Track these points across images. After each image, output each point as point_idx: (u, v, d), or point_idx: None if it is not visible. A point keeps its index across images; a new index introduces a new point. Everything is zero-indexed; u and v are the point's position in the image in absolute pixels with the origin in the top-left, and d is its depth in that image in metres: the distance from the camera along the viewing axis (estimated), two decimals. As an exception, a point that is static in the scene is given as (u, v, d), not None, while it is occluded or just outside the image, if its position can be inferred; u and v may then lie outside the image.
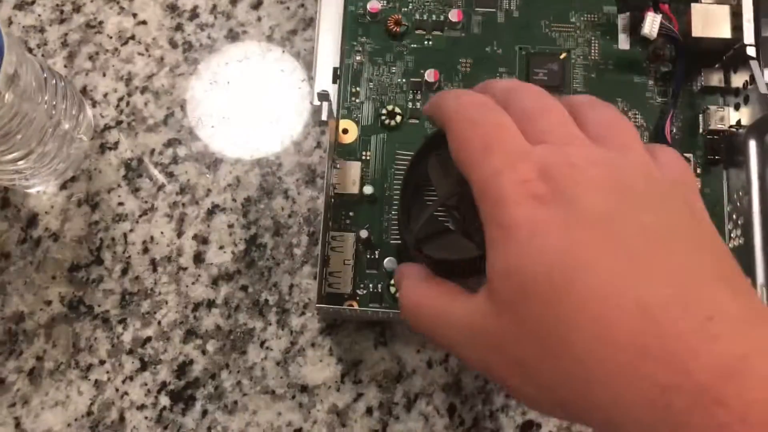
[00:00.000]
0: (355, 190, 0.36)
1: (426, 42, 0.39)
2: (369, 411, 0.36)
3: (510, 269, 0.22)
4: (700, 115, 0.38)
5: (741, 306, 0.20)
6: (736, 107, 0.37)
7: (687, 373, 0.18)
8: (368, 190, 0.36)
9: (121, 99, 0.39)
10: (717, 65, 0.38)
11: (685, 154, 0.37)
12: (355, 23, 0.39)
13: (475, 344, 0.24)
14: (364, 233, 0.35)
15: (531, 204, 0.22)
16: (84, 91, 0.39)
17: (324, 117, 0.34)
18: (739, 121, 0.36)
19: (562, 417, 0.25)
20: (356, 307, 0.35)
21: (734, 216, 0.36)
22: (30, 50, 0.40)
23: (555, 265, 0.21)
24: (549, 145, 0.24)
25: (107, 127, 0.39)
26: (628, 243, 0.21)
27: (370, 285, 0.35)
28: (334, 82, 0.37)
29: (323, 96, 0.34)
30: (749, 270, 0.34)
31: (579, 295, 0.20)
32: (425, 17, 0.39)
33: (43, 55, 0.40)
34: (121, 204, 0.38)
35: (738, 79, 0.37)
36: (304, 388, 0.36)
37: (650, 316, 0.19)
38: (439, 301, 0.26)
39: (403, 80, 0.38)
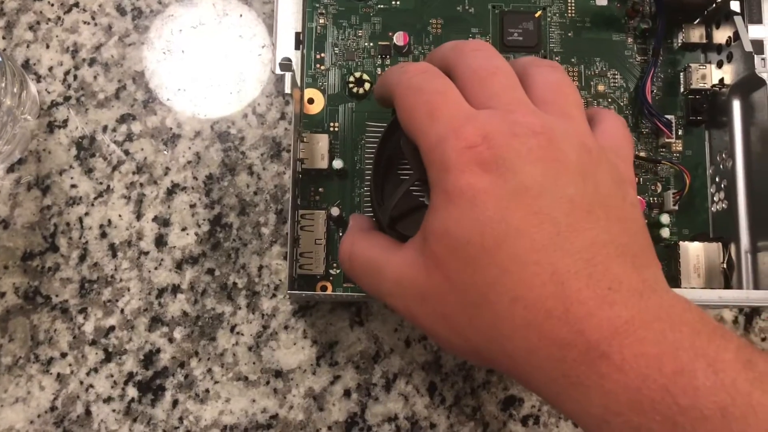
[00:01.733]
0: (323, 164, 0.34)
1: (393, 2, 0.36)
2: (347, 393, 0.34)
3: (447, 231, 0.24)
4: (681, 74, 0.36)
5: (639, 279, 0.23)
6: (719, 65, 0.35)
7: (581, 333, 0.21)
8: (338, 164, 0.34)
9: (67, 72, 0.37)
10: (697, 20, 0.36)
11: (667, 116, 0.35)
12: (316, -17, 0.36)
13: (403, 295, 0.26)
14: (335, 211, 0.33)
15: (473, 171, 0.23)
16: (26, 65, 0.36)
17: (287, 89, 0.32)
18: (722, 80, 0.35)
19: (477, 362, 0.28)
20: (330, 291, 0.33)
21: (717, 178, 0.35)
22: (-36, 21, 0.37)
23: (487, 232, 0.23)
24: (494, 111, 0.25)
25: (54, 104, 0.36)
26: (553, 216, 0.23)
27: (343, 265, 0.34)
28: (296, 48, 0.35)
29: (286, 66, 0.32)
30: (733, 235, 0.33)
31: (504, 261, 0.23)
32: (392, -25, 0.36)
33: (-22, 27, 0.37)
34: (74, 186, 0.36)
35: (720, 35, 0.35)
36: (278, 373, 0.34)
37: (560, 284, 0.22)
38: (372, 252, 0.28)
39: (371, 44, 0.36)
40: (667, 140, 0.35)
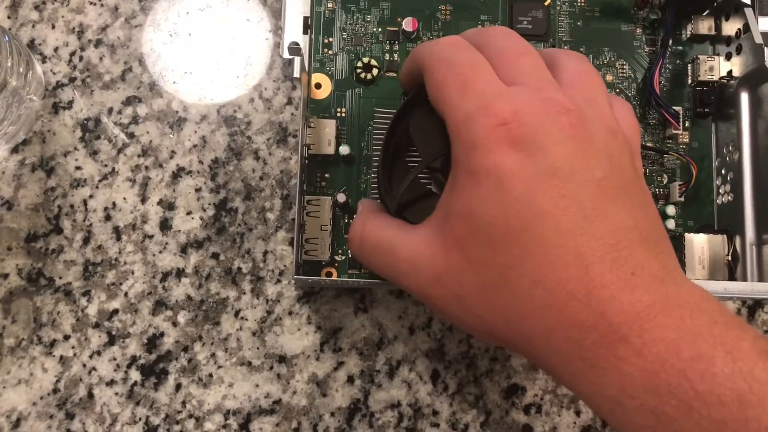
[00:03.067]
0: (330, 150, 0.34)
1: (402, -13, 0.36)
2: (350, 379, 0.34)
3: (471, 211, 0.24)
4: (689, 65, 0.36)
5: (660, 266, 0.23)
6: (727, 57, 0.35)
7: (602, 316, 0.22)
8: (345, 150, 0.34)
9: (73, 53, 0.36)
10: (706, 12, 0.36)
11: (674, 107, 0.35)
12: (325, -32, 0.36)
13: (417, 275, 0.25)
14: (341, 197, 0.33)
15: (501, 150, 0.23)
16: (31, 45, 0.36)
17: (296, 74, 0.32)
18: (730, 72, 0.35)
19: (490, 341, 0.28)
20: (335, 276, 0.33)
21: (723, 171, 0.35)
22: (-32, -1, 0.36)
23: (512, 213, 0.23)
24: (523, 87, 0.25)
25: (60, 85, 0.36)
26: (580, 200, 0.23)
27: (349, 251, 0.34)
28: (304, 32, 0.35)
29: (295, 50, 0.32)
30: (738, 227, 0.34)
31: (528, 243, 0.23)
32: (401, -39, 0.36)
33: (-17, 5, 0.36)
34: (78, 168, 0.35)
35: (730, 27, 0.35)
36: (282, 359, 0.34)
37: (584, 267, 0.22)
38: (385, 232, 0.27)
39: (379, 29, 0.36)
40: (674, 131, 0.35)
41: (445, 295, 0.25)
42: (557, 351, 0.23)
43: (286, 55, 0.33)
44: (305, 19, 0.34)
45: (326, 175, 0.34)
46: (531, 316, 0.23)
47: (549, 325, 0.22)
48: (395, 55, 0.35)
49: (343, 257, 0.34)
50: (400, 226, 0.27)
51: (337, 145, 0.34)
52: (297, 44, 0.32)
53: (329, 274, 0.33)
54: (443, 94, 0.26)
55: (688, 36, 0.36)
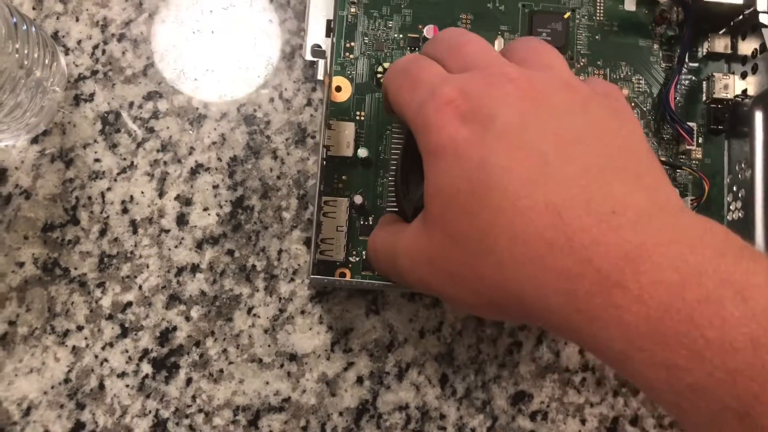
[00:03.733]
0: (349, 152, 0.34)
1: (425, -5, 0.37)
2: (359, 380, 0.35)
3: (438, 187, 0.24)
4: (704, 83, 0.37)
5: (646, 200, 0.21)
6: (743, 76, 0.36)
7: (589, 262, 0.20)
8: (363, 152, 0.34)
9: (96, 47, 0.37)
10: (723, 30, 0.37)
11: (688, 123, 0.36)
12: (350, -28, 0.36)
13: (414, 268, 0.26)
14: (358, 198, 0.34)
15: (453, 124, 0.24)
16: (55, 36, 0.36)
17: (320, 76, 0.32)
18: (745, 91, 0.35)
19: (495, 316, 0.28)
20: (349, 277, 0.33)
21: (734, 188, 0.35)
22: (-6, -11, 0.36)
23: (474, 177, 0.23)
24: (470, 71, 0.25)
25: (82, 77, 0.36)
26: (540, 149, 0.22)
27: (363, 252, 0.34)
28: (327, 35, 0.35)
29: (318, 52, 0.32)
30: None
31: (495, 202, 0.22)
32: (425, -31, 0.36)
33: (9, -4, 0.37)
34: (97, 160, 0.36)
35: (746, 47, 0.35)
36: (292, 357, 0.35)
37: (557, 214, 0.21)
38: (388, 239, 0.28)
39: (400, 35, 0.36)
40: (687, 147, 0.36)
41: (440, 278, 0.25)
42: (551, 307, 0.21)
43: (309, 57, 0.34)
44: (328, 22, 0.35)
45: (344, 176, 0.34)
46: (517, 275, 0.22)
47: (536, 280, 0.21)
48: (415, 61, 0.36)
49: (358, 258, 0.34)
50: (399, 229, 0.28)
51: (356, 147, 0.34)
52: (320, 47, 0.32)
53: (343, 275, 0.34)
54: (399, 98, 0.27)
55: (705, 54, 0.37)
